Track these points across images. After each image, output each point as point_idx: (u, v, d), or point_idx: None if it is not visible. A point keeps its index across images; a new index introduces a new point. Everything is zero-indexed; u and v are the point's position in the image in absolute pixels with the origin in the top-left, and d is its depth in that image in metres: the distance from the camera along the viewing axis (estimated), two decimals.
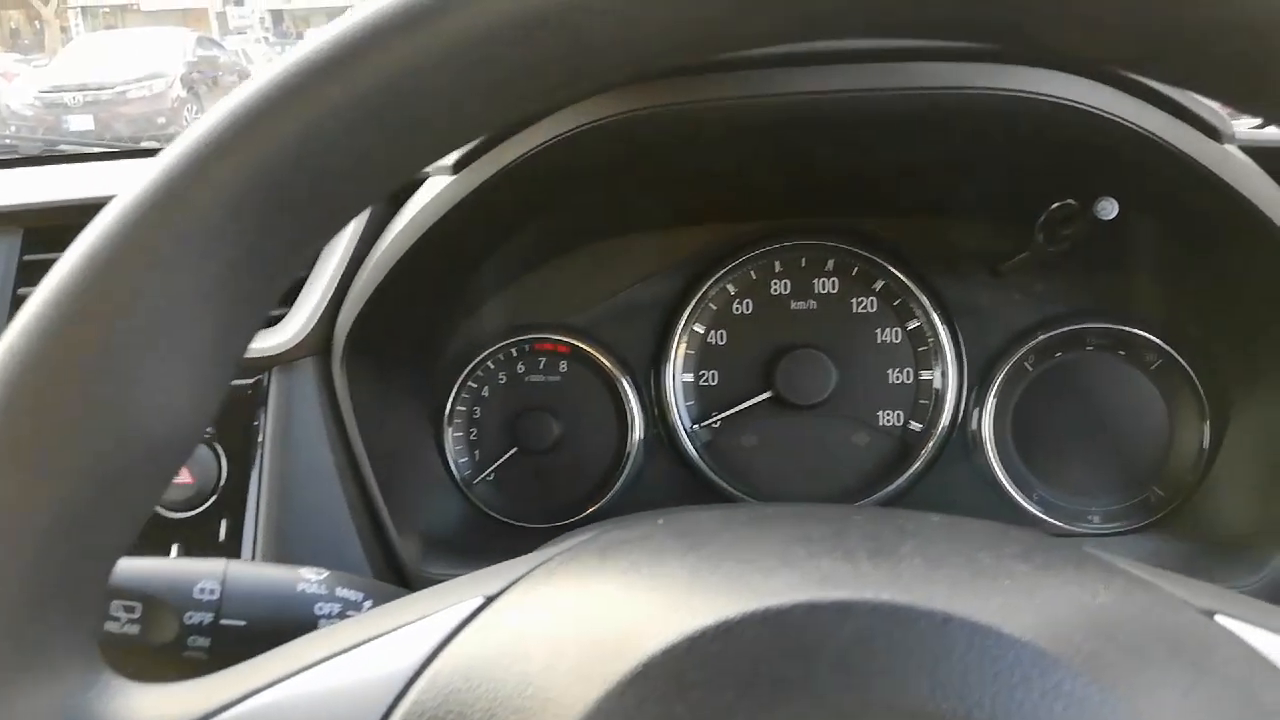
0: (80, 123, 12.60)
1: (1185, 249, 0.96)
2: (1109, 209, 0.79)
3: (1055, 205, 0.88)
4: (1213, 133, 0.81)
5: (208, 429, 0.94)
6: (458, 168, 0.88)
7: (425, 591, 0.54)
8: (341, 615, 0.67)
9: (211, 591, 0.65)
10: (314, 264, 0.99)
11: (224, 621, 0.65)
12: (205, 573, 0.66)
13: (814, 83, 0.78)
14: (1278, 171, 0.90)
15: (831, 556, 0.46)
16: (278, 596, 0.67)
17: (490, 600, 0.47)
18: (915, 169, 0.98)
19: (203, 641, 0.65)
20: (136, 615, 0.64)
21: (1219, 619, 0.44)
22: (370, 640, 0.44)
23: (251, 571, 0.67)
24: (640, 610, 0.42)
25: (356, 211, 0.44)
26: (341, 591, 0.68)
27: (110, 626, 0.65)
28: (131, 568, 0.66)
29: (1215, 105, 0.82)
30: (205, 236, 0.40)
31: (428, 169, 0.95)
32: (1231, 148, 0.84)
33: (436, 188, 0.90)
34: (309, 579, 0.68)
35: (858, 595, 0.40)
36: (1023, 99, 0.78)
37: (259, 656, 0.45)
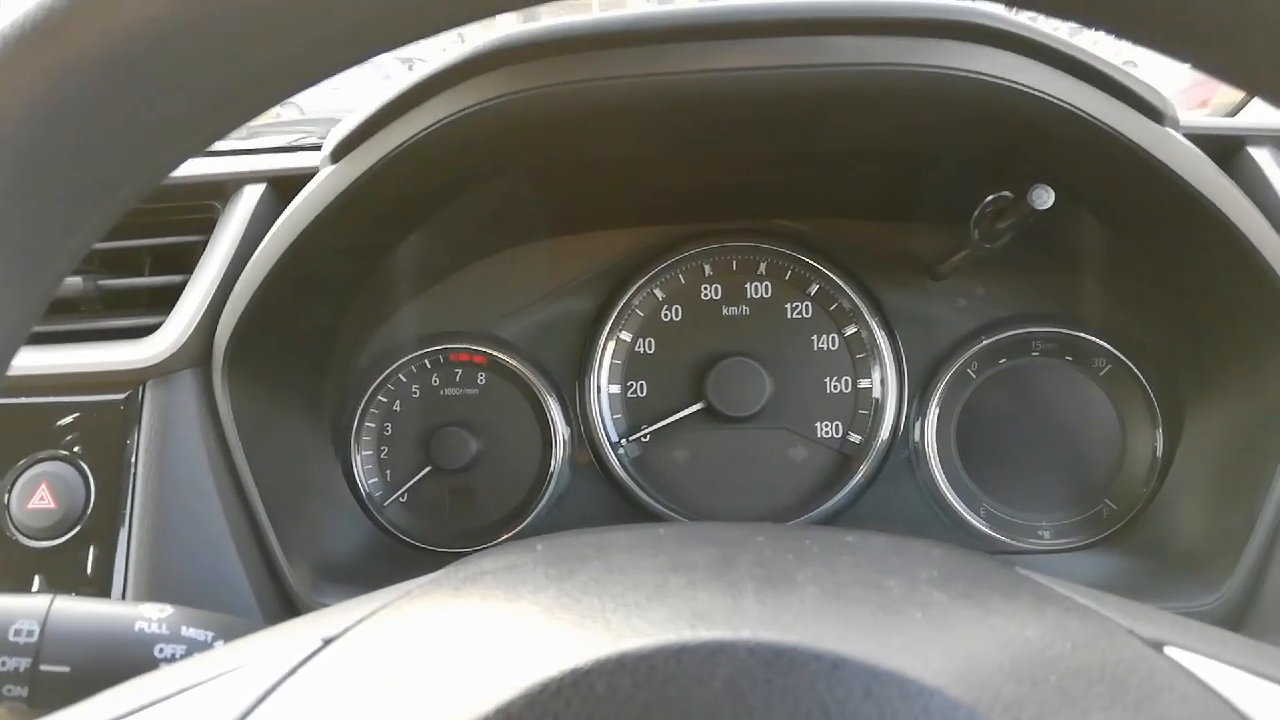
0: None
1: (1128, 242, 0.91)
2: (1044, 198, 0.73)
3: (990, 198, 0.82)
4: (1153, 114, 0.76)
5: (72, 450, 0.86)
6: (336, 156, 0.81)
7: (264, 632, 0.48)
8: (186, 658, 0.59)
9: (30, 633, 0.57)
10: (196, 266, 0.91)
11: (44, 667, 0.57)
12: (23, 611, 0.58)
13: (721, 59, 0.71)
14: (1225, 160, 0.85)
15: (712, 588, 0.39)
16: (110, 638, 0.58)
17: (328, 642, 0.42)
18: (844, 162, 0.92)
19: (19, 690, 0.56)
20: None
21: (1169, 651, 0.38)
22: (189, 689, 0.39)
23: (80, 609, 0.59)
24: (481, 658, 0.36)
25: (129, 191, 0.37)
26: (187, 631, 0.60)
27: None
28: None
29: (1157, 86, 0.76)
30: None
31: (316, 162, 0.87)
32: (1174, 131, 0.78)
33: (319, 180, 0.82)
34: (149, 617, 0.60)
35: (733, 635, 0.34)
36: (951, 76, 0.71)
37: (72, 707, 0.40)
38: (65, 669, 0.57)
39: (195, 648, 0.60)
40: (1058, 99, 0.73)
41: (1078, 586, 0.46)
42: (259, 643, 0.45)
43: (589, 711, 0.32)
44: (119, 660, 0.58)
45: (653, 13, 0.70)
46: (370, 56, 0.37)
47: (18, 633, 0.57)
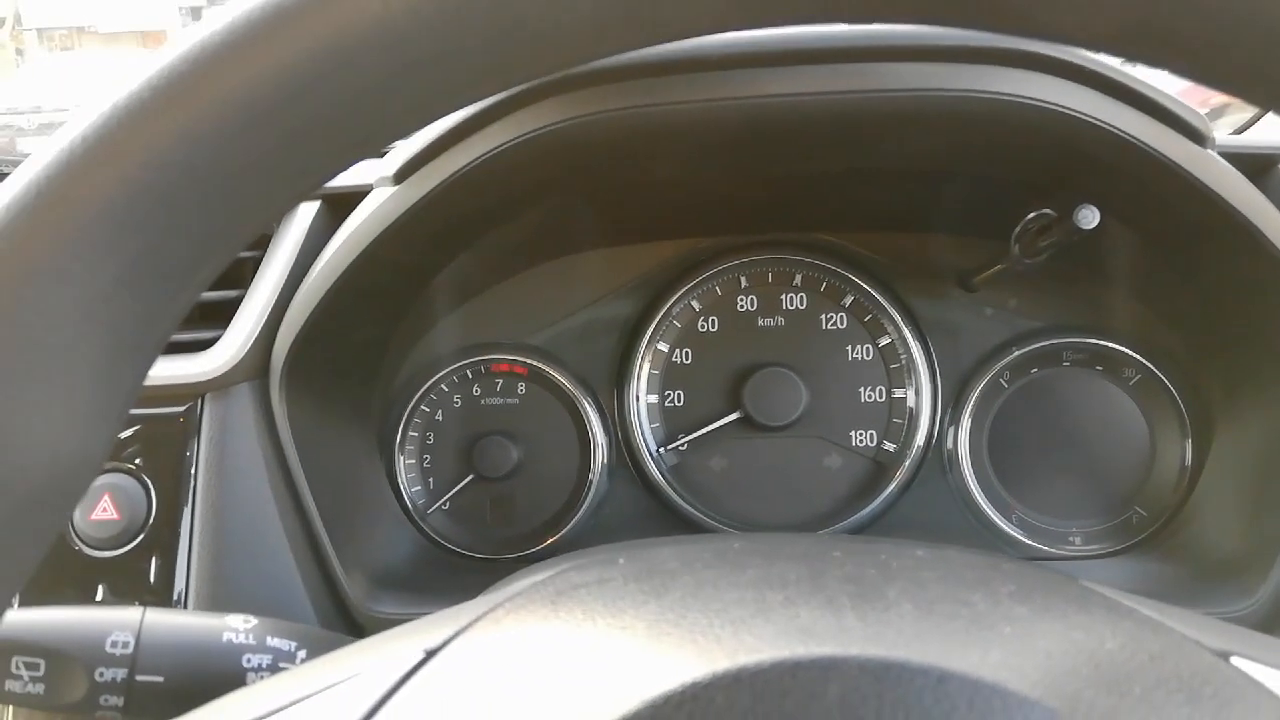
0: (34, 146, 12.39)
1: (1164, 258, 0.93)
2: (1090, 218, 0.75)
3: (1032, 215, 0.84)
4: (1195, 135, 0.78)
5: (133, 463, 0.88)
6: (399, 178, 0.83)
7: (363, 643, 0.49)
8: (273, 667, 0.61)
9: (125, 645, 0.59)
10: (251, 282, 0.93)
11: (139, 678, 0.59)
12: (118, 623, 0.60)
13: (778, 85, 0.73)
14: (1256, 178, 0.87)
15: (811, 604, 0.41)
16: (200, 648, 0.61)
17: (432, 654, 0.43)
18: (886, 178, 0.94)
19: (116, 700, 0.58)
20: (40, 673, 0.58)
21: (1235, 661, 0.40)
22: (302, 700, 0.40)
23: (171, 621, 0.61)
24: (596, 672, 0.37)
25: (260, 222, 0.39)
26: (272, 641, 0.62)
27: (11, 686, 0.58)
28: (34, 619, 0.59)
29: (1196, 108, 0.78)
30: (85, 247, 0.35)
31: (370, 180, 0.89)
32: (1213, 152, 0.80)
33: (379, 199, 0.85)
34: (236, 628, 0.62)
35: (844, 651, 0.35)
36: (999, 101, 0.74)
37: (186, 716, 0.41)
38: (159, 679, 0.59)
39: (281, 657, 0.62)
40: (1102, 121, 0.75)
41: (1139, 598, 0.48)
42: (360, 654, 0.46)
43: None
44: (209, 670, 0.60)
45: (713, 40, 0.72)
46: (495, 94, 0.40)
47: (114, 644, 0.59)
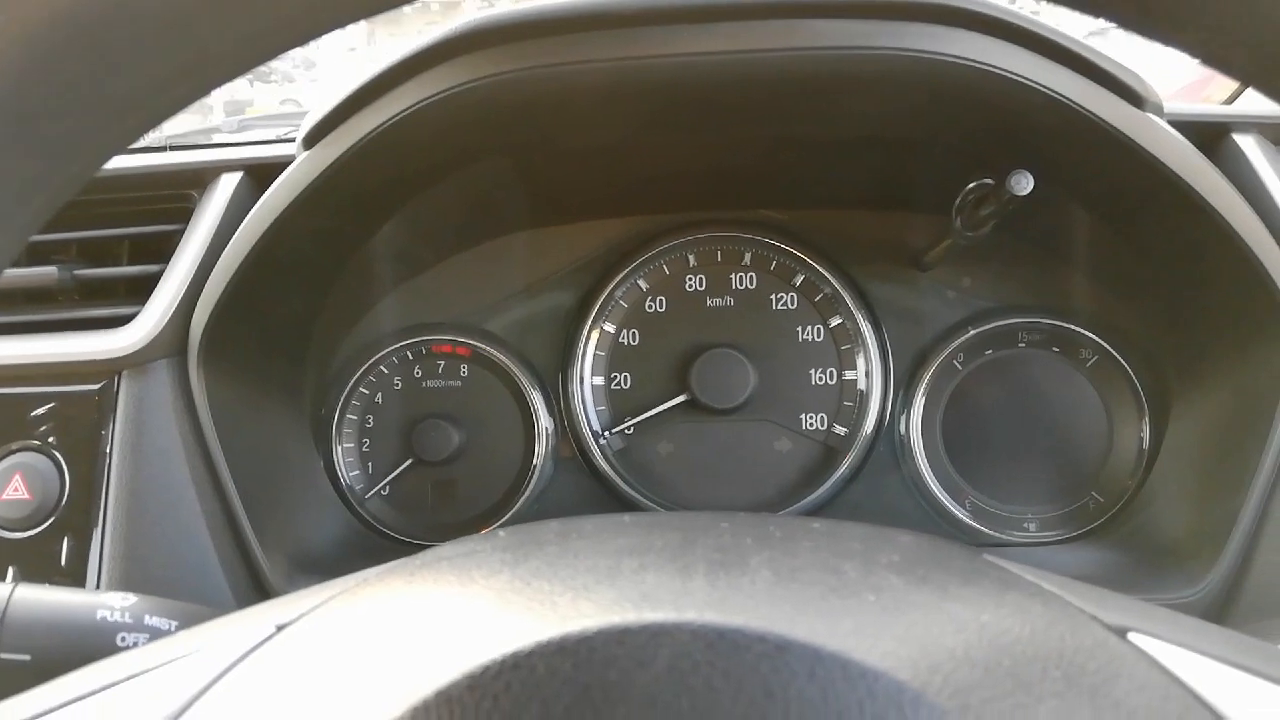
0: None
1: (1112, 230, 0.90)
2: (1023, 183, 0.72)
3: (971, 185, 0.81)
4: (1133, 98, 0.75)
5: (46, 441, 0.86)
6: (309, 142, 0.80)
7: (222, 619, 0.48)
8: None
9: None
10: (171, 254, 0.90)
11: (3, 655, 0.56)
12: None
13: (692, 43, 0.70)
14: (1209, 145, 0.84)
15: (664, 570, 0.38)
16: (71, 626, 0.58)
17: (281, 628, 0.41)
18: (826, 150, 0.91)
19: None
20: None
21: (1132, 637, 0.37)
22: (146, 672, 0.40)
23: (42, 598, 0.58)
24: (427, 643, 0.36)
25: (84, 166, 0.36)
26: (150, 620, 0.59)
27: None
28: None
29: (1138, 70, 0.75)
30: None
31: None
32: (1155, 116, 0.77)
33: (294, 164, 0.81)
34: (112, 605, 0.59)
35: (676, 617, 0.33)
36: (931, 60, 0.70)
37: (20, 694, 0.39)
38: (25, 657, 0.56)
39: (158, 636, 0.59)
40: (1035, 83, 0.72)
41: (1046, 573, 0.45)
42: (214, 629, 0.44)
43: (529, 693, 0.31)
44: (80, 649, 0.57)
45: None
46: (330, 31, 0.37)
47: None
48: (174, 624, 0.59)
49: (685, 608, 0.34)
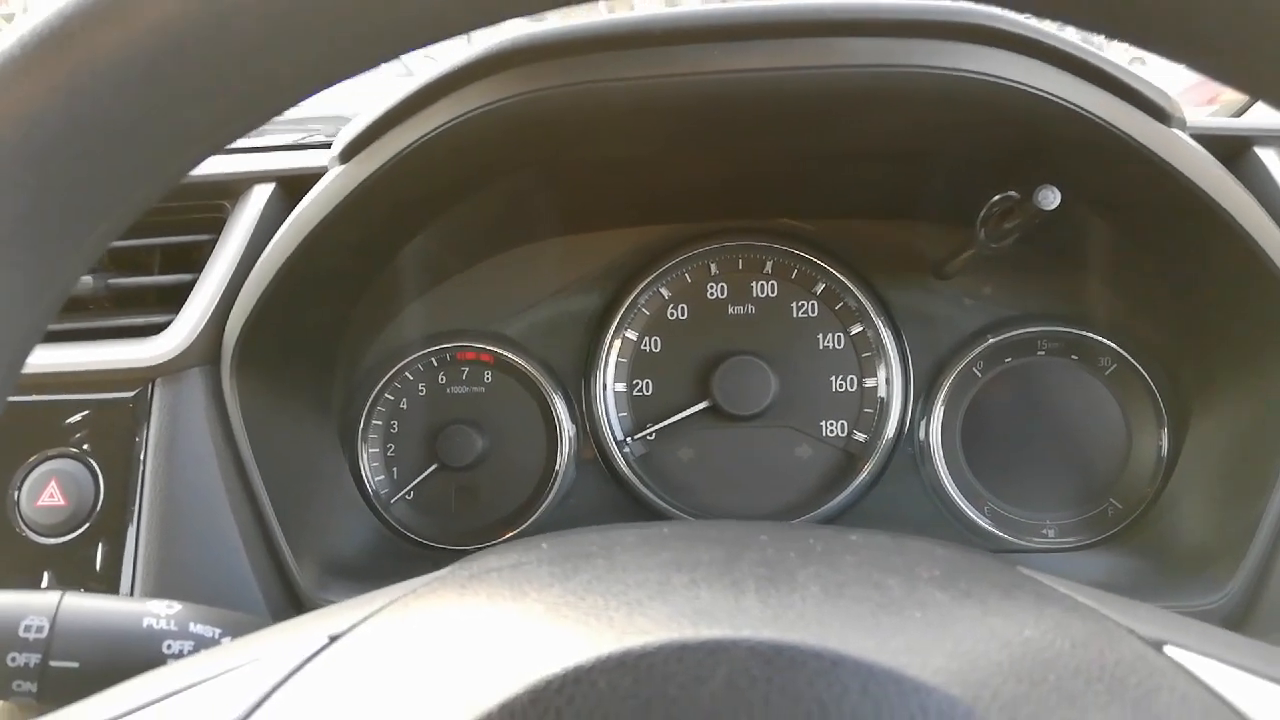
0: None
1: (1135, 243, 0.91)
2: (1050, 199, 0.73)
3: (996, 198, 0.82)
4: (1160, 115, 0.76)
5: (81, 448, 0.87)
6: (345, 156, 0.81)
7: (272, 628, 0.49)
8: (196, 654, 0.60)
9: (39, 630, 0.57)
10: (204, 265, 0.91)
11: (54, 663, 0.57)
12: (33, 608, 0.58)
13: (725, 61, 0.71)
14: (1231, 160, 0.85)
15: (715, 586, 0.40)
16: (119, 634, 0.59)
17: (335, 639, 0.42)
18: (853, 162, 0.92)
19: (29, 686, 0.57)
20: None
21: (1169, 650, 0.38)
22: (201, 683, 0.40)
23: (89, 606, 0.60)
24: (486, 656, 0.37)
25: (146, 193, 0.37)
26: (195, 628, 0.60)
27: None
28: None
29: (1163, 87, 0.76)
30: None
31: (326, 162, 0.87)
32: (1180, 132, 0.78)
33: (329, 178, 0.83)
34: (157, 613, 0.60)
35: (733, 634, 0.34)
36: (961, 78, 0.71)
37: (80, 702, 0.40)
38: (74, 664, 0.57)
39: (203, 644, 0.60)
40: (1065, 100, 0.73)
41: (1080, 586, 0.46)
42: (265, 639, 0.45)
43: (591, 708, 0.32)
44: (127, 656, 0.59)
45: (664, 14, 0.70)
46: (388, 60, 0.38)
47: (28, 628, 0.57)
48: (217, 631, 0.61)
49: (741, 624, 0.35)
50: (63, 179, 0.35)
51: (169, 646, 0.59)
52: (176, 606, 0.61)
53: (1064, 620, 0.40)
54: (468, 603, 0.43)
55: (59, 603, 0.59)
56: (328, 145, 0.89)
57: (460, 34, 0.38)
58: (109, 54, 0.33)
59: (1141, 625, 0.40)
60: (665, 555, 0.44)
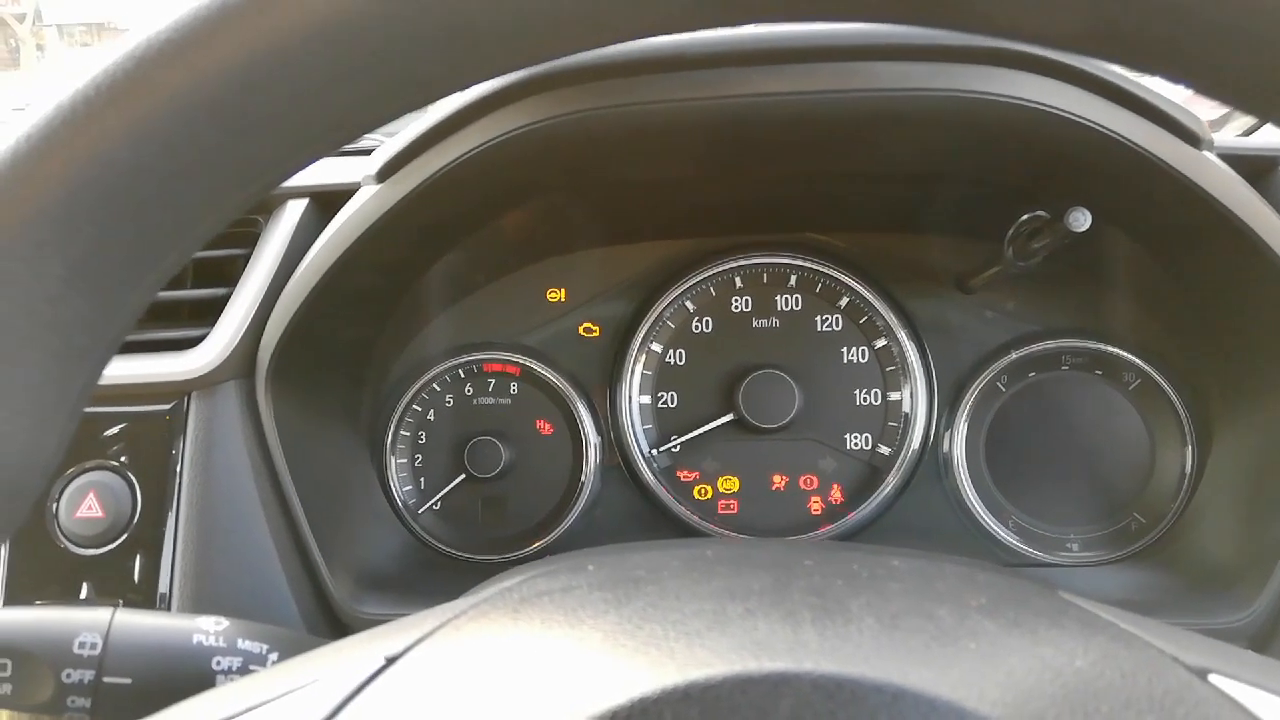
0: None
1: (1161, 262, 0.91)
2: (1081, 220, 0.74)
3: (1025, 217, 0.83)
4: (1189, 137, 0.76)
5: (119, 460, 0.88)
6: (382, 176, 0.82)
7: (326, 648, 0.49)
8: (243, 670, 0.61)
9: (93, 646, 0.59)
10: (239, 280, 0.93)
11: (107, 679, 0.58)
12: (86, 624, 0.59)
13: (757, 84, 0.72)
14: (1257, 180, 0.86)
15: (770, 616, 0.40)
16: (170, 650, 0.60)
17: (392, 661, 0.43)
18: (879, 180, 0.93)
19: (83, 702, 0.58)
20: (7, 673, 0.58)
21: (1213, 679, 0.39)
22: (260, 705, 0.40)
23: (141, 622, 0.61)
24: (547, 685, 0.37)
25: (212, 223, 0.38)
26: (243, 644, 0.61)
27: None
28: (2, 619, 0.59)
29: (1194, 110, 0.77)
30: (28, 248, 0.34)
31: (358, 178, 0.89)
32: (1210, 154, 0.78)
33: (364, 198, 0.84)
34: (206, 630, 0.61)
35: (797, 667, 0.35)
36: (983, 101, 0.72)
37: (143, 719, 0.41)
38: (127, 681, 0.58)
39: (251, 660, 0.61)
40: (1095, 123, 0.73)
41: (1120, 611, 0.47)
42: (320, 660, 0.46)
43: None
44: (178, 672, 0.60)
45: (695, 39, 0.71)
46: (459, 89, 0.39)
47: (81, 645, 0.58)
48: (265, 647, 0.62)
49: (802, 657, 0.36)
50: (126, 220, 0.36)
51: (218, 663, 0.60)
52: (225, 623, 0.62)
53: (1111, 650, 0.40)
54: (522, 628, 0.44)
55: (111, 619, 0.60)
56: (360, 154, 0.90)
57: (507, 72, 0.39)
58: (177, 95, 0.34)
59: (1185, 653, 0.41)
60: (716, 583, 0.45)
